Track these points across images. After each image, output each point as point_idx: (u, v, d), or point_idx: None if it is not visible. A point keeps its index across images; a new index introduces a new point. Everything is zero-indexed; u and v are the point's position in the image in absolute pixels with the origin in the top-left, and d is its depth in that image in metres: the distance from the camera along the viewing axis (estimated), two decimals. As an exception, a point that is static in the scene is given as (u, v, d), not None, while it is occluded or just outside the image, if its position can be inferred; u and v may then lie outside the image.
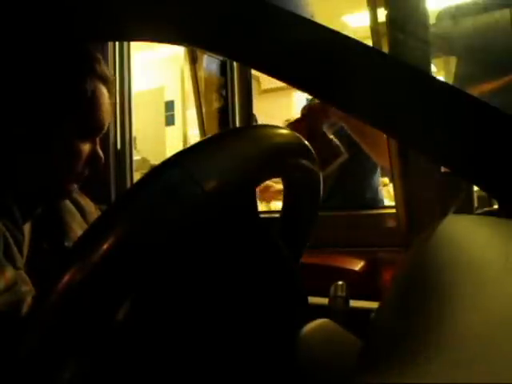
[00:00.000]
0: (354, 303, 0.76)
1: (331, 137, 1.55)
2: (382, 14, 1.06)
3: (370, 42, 1.09)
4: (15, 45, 0.63)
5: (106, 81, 0.74)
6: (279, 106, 5.60)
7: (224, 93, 1.85)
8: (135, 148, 1.91)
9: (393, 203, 1.41)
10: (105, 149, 1.38)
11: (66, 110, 0.70)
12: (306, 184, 0.56)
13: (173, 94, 5.42)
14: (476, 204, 1.01)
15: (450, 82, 1.29)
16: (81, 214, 0.82)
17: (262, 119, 2.51)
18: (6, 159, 0.71)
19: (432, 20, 1.16)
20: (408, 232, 1.07)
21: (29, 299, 0.60)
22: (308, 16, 1.49)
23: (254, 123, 1.98)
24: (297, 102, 5.63)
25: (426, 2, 1.02)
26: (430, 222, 0.35)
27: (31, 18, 0.48)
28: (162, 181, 0.35)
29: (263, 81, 5.31)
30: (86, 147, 0.73)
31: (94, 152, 0.74)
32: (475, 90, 1.10)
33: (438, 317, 0.23)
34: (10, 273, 0.60)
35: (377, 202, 1.82)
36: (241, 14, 0.39)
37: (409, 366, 0.20)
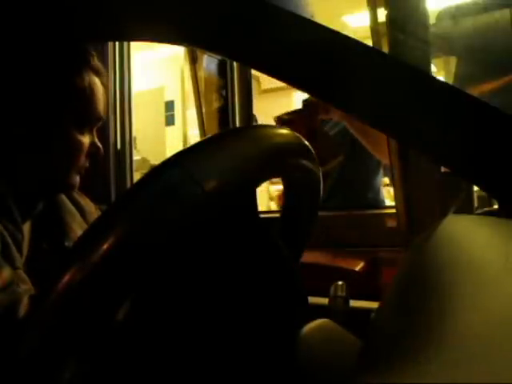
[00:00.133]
0: (353, 303, 0.76)
1: (331, 136, 1.55)
2: (382, 14, 1.06)
3: (370, 42, 1.09)
4: (13, 44, 0.63)
5: (99, 73, 0.76)
6: (279, 106, 5.59)
7: (224, 93, 1.85)
8: (135, 148, 1.91)
9: (393, 203, 1.41)
10: (105, 149, 1.39)
11: (65, 104, 0.71)
12: (305, 184, 0.56)
13: (173, 93, 5.41)
14: (476, 204, 1.01)
15: (450, 82, 1.29)
16: (81, 214, 0.82)
17: (261, 119, 2.51)
18: (5, 158, 0.71)
19: (432, 20, 1.16)
20: (408, 232, 1.07)
21: (25, 299, 0.60)
22: (308, 16, 1.49)
23: (254, 123, 1.98)
24: (297, 101, 5.62)
25: (426, 2, 1.02)
26: (430, 222, 0.35)
27: (31, 17, 0.48)
28: (161, 181, 0.35)
29: (263, 81, 5.31)
30: (85, 139, 0.74)
31: (93, 144, 0.76)
32: (475, 90, 1.10)
33: (437, 316, 0.23)
34: (6, 272, 0.60)
35: (378, 203, 1.82)
36: (241, 13, 0.39)
37: (409, 365, 0.20)
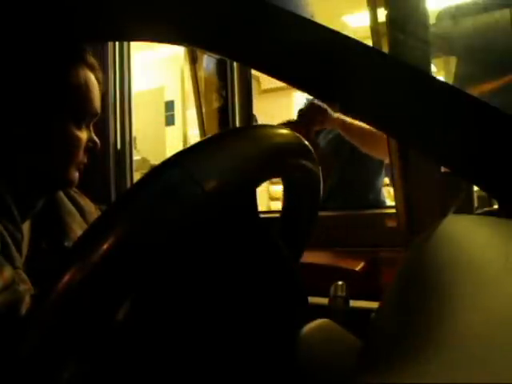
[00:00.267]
0: (353, 303, 0.76)
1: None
2: (382, 14, 1.06)
3: (370, 42, 1.09)
4: (10, 43, 0.64)
5: (94, 68, 0.77)
6: (279, 105, 5.60)
7: (224, 93, 1.85)
8: (135, 148, 1.91)
9: (393, 203, 1.41)
10: (105, 149, 1.39)
11: (62, 101, 0.72)
12: (306, 184, 0.56)
13: (173, 93, 5.41)
14: (476, 204, 1.01)
15: (450, 82, 1.29)
16: (80, 214, 0.82)
17: (261, 119, 2.51)
18: (4, 157, 0.71)
19: (432, 20, 1.16)
20: (408, 232, 1.07)
21: (27, 298, 0.60)
22: (308, 16, 1.49)
23: (254, 123, 1.98)
24: (297, 102, 5.62)
25: (426, 2, 1.02)
26: (429, 222, 0.35)
27: (30, 17, 0.48)
28: (161, 181, 0.35)
29: (263, 81, 5.31)
30: (83, 135, 0.75)
31: (90, 139, 0.77)
32: (475, 90, 1.10)
33: (437, 316, 0.23)
34: (8, 272, 0.61)
35: (379, 203, 1.82)
36: (241, 14, 0.39)
37: (409, 365, 0.20)
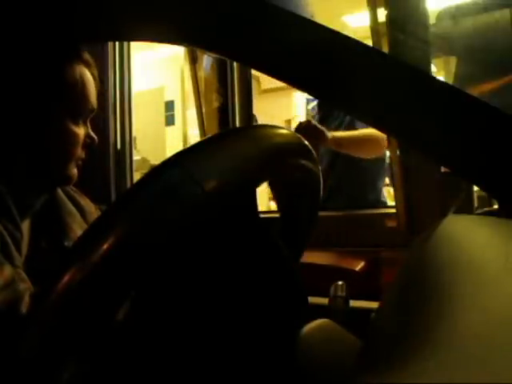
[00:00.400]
0: (353, 303, 0.76)
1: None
2: (382, 14, 1.06)
3: (370, 42, 1.09)
4: (8, 42, 0.64)
5: (89, 65, 0.77)
6: (279, 105, 5.59)
7: (224, 93, 1.85)
8: (135, 148, 1.91)
9: (393, 203, 1.41)
10: (105, 149, 1.39)
11: (58, 97, 0.72)
12: (305, 184, 0.56)
13: (173, 93, 5.41)
14: (476, 204, 1.01)
15: (450, 82, 1.29)
16: (81, 214, 0.82)
17: (261, 119, 2.51)
18: (3, 156, 0.71)
19: (432, 20, 1.16)
20: (408, 232, 1.07)
21: (27, 297, 0.60)
22: (308, 16, 1.49)
23: (254, 123, 1.98)
24: (297, 102, 5.62)
25: (426, 2, 1.02)
26: (429, 222, 0.35)
27: (30, 17, 0.48)
28: (161, 181, 0.35)
29: (263, 81, 5.31)
30: (80, 131, 0.75)
31: (88, 135, 0.77)
32: (475, 90, 1.10)
33: (437, 316, 0.23)
34: (8, 270, 0.61)
35: (380, 204, 1.83)
36: (241, 14, 0.39)
37: (408, 365, 0.20)
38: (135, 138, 1.75)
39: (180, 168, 0.36)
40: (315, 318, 0.46)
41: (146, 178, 0.36)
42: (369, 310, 0.79)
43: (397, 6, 1.01)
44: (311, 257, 0.88)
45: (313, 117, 2.11)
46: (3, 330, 0.47)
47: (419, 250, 0.32)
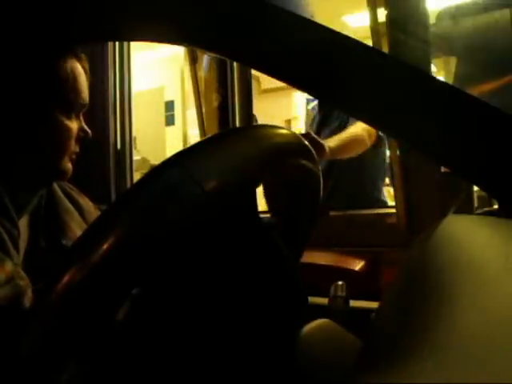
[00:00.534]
0: (353, 303, 0.76)
1: None
2: (382, 14, 1.06)
3: (370, 42, 1.09)
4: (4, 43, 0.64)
5: (80, 59, 0.77)
6: (279, 106, 5.59)
7: (224, 93, 1.85)
8: (135, 148, 1.91)
9: (393, 203, 1.41)
10: (105, 149, 1.39)
11: (50, 92, 0.73)
12: (305, 184, 0.56)
13: (173, 94, 5.40)
14: (476, 204, 1.01)
15: (450, 82, 1.29)
16: (79, 212, 0.82)
17: (261, 119, 2.51)
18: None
19: (432, 20, 1.16)
20: (408, 232, 1.07)
21: (29, 292, 0.60)
22: (308, 16, 1.49)
23: (254, 123, 1.98)
24: (297, 102, 5.62)
25: (426, 2, 1.02)
26: (429, 222, 0.35)
27: (29, 17, 0.48)
28: (161, 181, 0.35)
29: (263, 81, 5.30)
30: (73, 125, 0.75)
31: (81, 129, 0.77)
32: (475, 90, 1.10)
33: (437, 316, 0.23)
34: (9, 266, 0.61)
35: (380, 203, 1.83)
36: (241, 14, 0.39)
37: (407, 365, 0.20)
38: (135, 138, 1.75)
39: (180, 168, 0.36)
40: (315, 318, 0.46)
41: (145, 178, 0.36)
42: (369, 310, 0.79)
43: (397, 5, 1.01)
44: (311, 257, 0.88)
45: (313, 117, 2.10)
46: (5, 325, 0.47)
47: (419, 250, 0.32)
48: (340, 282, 0.75)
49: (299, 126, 5.19)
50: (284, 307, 0.49)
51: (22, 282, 0.62)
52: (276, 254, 0.51)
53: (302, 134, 1.69)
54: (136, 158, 1.98)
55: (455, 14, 1.23)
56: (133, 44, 1.53)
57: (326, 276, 0.91)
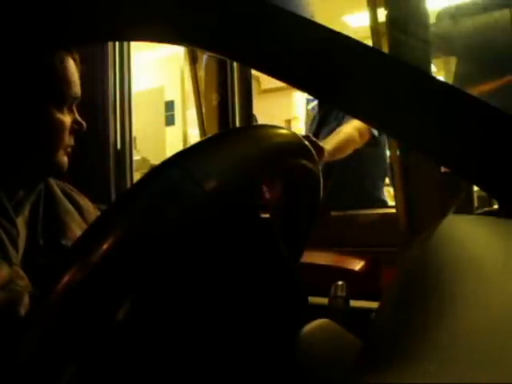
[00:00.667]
0: (354, 303, 0.76)
1: None
2: (382, 14, 1.06)
3: (370, 42, 1.09)
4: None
5: (70, 51, 0.77)
6: (279, 105, 5.59)
7: (224, 93, 1.85)
8: (135, 148, 1.91)
9: (393, 203, 1.41)
10: (105, 149, 1.39)
11: (42, 85, 0.72)
12: (305, 184, 0.56)
13: (173, 94, 5.40)
14: (476, 204, 1.02)
15: (450, 82, 1.29)
16: (79, 212, 0.82)
17: (261, 119, 2.51)
18: None
19: (432, 20, 1.16)
20: (408, 232, 1.07)
21: (25, 298, 0.60)
22: (308, 16, 1.49)
23: (254, 123, 1.98)
24: (297, 102, 5.62)
25: (426, 2, 1.02)
26: (429, 222, 0.35)
27: (27, 18, 0.48)
28: (161, 181, 0.35)
29: (263, 81, 5.30)
30: (66, 118, 0.75)
31: (75, 121, 0.77)
32: (475, 90, 1.10)
33: (438, 315, 0.23)
34: (4, 270, 0.61)
35: (380, 202, 1.83)
36: (241, 13, 0.39)
37: (408, 365, 0.20)
38: (135, 138, 1.75)
39: (180, 168, 0.36)
40: (315, 318, 0.46)
41: (145, 178, 0.36)
42: (369, 310, 0.79)
43: (397, 6, 1.01)
44: (311, 257, 0.88)
45: (313, 117, 2.10)
46: (2, 330, 0.47)
47: (419, 250, 0.32)
48: (340, 282, 0.75)
49: (299, 126, 5.18)
50: (284, 307, 0.49)
51: (21, 282, 0.62)
52: (276, 254, 0.51)
53: (302, 136, 1.69)
54: (136, 157, 1.98)
55: (455, 13, 1.23)
56: (133, 44, 1.53)
57: (326, 276, 0.91)
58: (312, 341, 0.43)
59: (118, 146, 1.44)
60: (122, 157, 1.45)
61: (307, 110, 3.76)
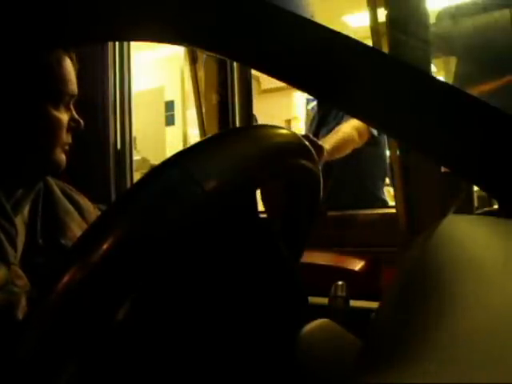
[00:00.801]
0: (353, 303, 0.76)
1: None
2: (382, 14, 1.06)
3: (370, 42, 1.09)
4: None
5: (66, 49, 0.77)
6: (279, 106, 5.59)
7: (224, 93, 1.85)
8: (135, 148, 1.91)
9: (393, 203, 1.41)
10: (105, 149, 1.39)
11: (38, 83, 0.72)
12: (305, 184, 0.56)
13: (173, 93, 5.40)
14: (476, 204, 1.02)
15: (450, 82, 1.29)
16: (79, 212, 0.82)
17: (261, 119, 2.51)
18: None
19: (432, 20, 1.16)
20: (408, 232, 1.07)
21: (23, 299, 0.60)
22: (308, 16, 1.49)
23: (254, 123, 1.98)
24: (297, 102, 5.62)
25: (426, 2, 1.02)
26: (430, 222, 0.35)
27: (26, 19, 0.48)
28: (161, 181, 0.35)
29: (263, 81, 5.30)
30: (62, 116, 0.75)
31: (72, 119, 0.77)
32: (475, 90, 1.10)
33: (438, 315, 0.23)
34: (1, 272, 0.61)
35: (380, 202, 1.84)
36: (241, 13, 0.39)
37: (409, 365, 0.20)
38: (135, 138, 1.75)
39: (180, 168, 0.36)
40: (315, 318, 0.46)
41: (145, 178, 0.36)
42: (369, 310, 0.79)
43: (397, 5, 1.01)
44: (311, 257, 0.88)
45: (313, 117, 2.11)
46: (1, 331, 0.47)
47: (419, 250, 0.32)
48: (340, 282, 0.75)
49: (299, 126, 5.19)
50: (284, 307, 0.49)
51: (19, 281, 0.62)
52: (276, 254, 0.51)
53: (303, 136, 1.70)
54: (136, 158, 1.98)
55: (455, 13, 1.23)
56: (133, 44, 1.53)
57: (326, 276, 0.91)
58: (312, 341, 0.43)
59: (118, 146, 1.44)
60: (122, 157, 1.45)
61: (307, 110, 3.76)
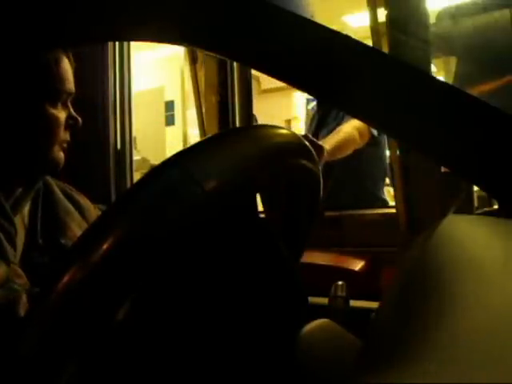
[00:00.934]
0: (353, 303, 0.76)
1: None
2: (382, 14, 1.06)
3: (370, 42, 1.09)
4: None
5: (65, 49, 0.77)
6: (279, 106, 5.59)
7: (224, 93, 1.85)
8: (135, 148, 1.91)
9: (393, 203, 1.41)
10: (105, 149, 1.39)
11: (36, 84, 0.73)
12: (306, 184, 0.56)
13: (173, 94, 5.40)
14: (476, 204, 1.02)
15: (450, 82, 1.29)
16: (79, 211, 0.82)
17: (261, 119, 2.51)
18: None
19: (432, 20, 1.17)
20: (408, 232, 1.07)
21: (24, 297, 0.60)
22: (308, 16, 1.49)
23: (254, 123, 1.98)
24: (297, 102, 5.62)
25: (426, 2, 1.02)
26: (429, 222, 0.35)
27: (26, 19, 0.48)
28: (161, 181, 0.35)
29: (263, 81, 5.30)
30: (60, 114, 0.75)
31: (70, 117, 0.77)
32: (475, 90, 1.10)
33: (438, 316, 0.23)
34: (2, 269, 0.61)
35: (380, 201, 1.84)
36: (241, 13, 0.39)
37: (409, 365, 0.20)
38: (135, 138, 1.75)
39: (180, 168, 0.36)
40: (315, 318, 0.46)
41: (145, 178, 0.36)
42: (369, 310, 0.79)
43: (397, 5, 1.01)
44: (311, 257, 0.88)
45: (312, 117, 2.11)
46: (1, 329, 0.47)
47: (419, 250, 0.32)
48: (340, 282, 0.75)
49: (299, 126, 5.19)
50: (284, 307, 0.49)
51: (19, 280, 0.62)
52: (276, 254, 0.51)
53: (303, 136, 1.70)
54: (136, 157, 1.98)
55: (455, 13, 1.23)
56: (133, 44, 1.53)
57: (326, 276, 0.91)
58: (312, 341, 0.43)
59: (118, 146, 1.44)
60: (122, 157, 1.45)
61: (307, 110, 3.76)
